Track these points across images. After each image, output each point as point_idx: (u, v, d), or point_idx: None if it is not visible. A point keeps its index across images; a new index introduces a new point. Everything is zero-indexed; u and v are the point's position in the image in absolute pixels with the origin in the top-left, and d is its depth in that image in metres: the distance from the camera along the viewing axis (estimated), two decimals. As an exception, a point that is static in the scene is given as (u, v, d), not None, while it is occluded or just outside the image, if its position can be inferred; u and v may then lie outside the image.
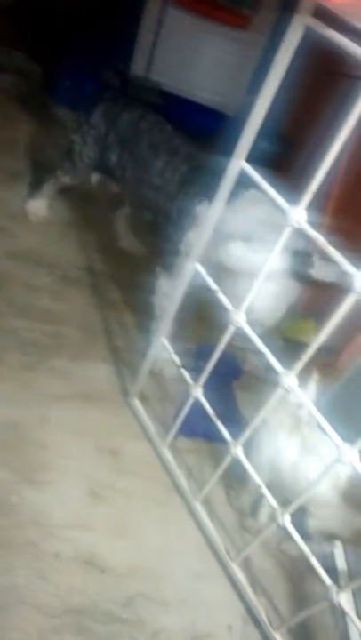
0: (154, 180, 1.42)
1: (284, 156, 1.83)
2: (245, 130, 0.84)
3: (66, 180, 1.78)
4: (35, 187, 1.89)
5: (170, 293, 1.27)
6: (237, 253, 1.16)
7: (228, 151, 0.90)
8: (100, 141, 1.60)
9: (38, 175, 1.94)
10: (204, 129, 1.54)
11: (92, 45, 2.47)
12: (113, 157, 1.56)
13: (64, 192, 1.89)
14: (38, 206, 1.85)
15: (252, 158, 0.88)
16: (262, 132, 0.86)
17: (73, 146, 1.66)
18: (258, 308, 1.06)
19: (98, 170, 1.70)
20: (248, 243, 1.14)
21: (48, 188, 1.84)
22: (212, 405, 1.12)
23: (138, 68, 2.63)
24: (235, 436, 1.06)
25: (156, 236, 1.47)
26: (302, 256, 1.16)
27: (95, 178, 1.78)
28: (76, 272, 1.72)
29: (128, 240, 1.95)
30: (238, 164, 0.87)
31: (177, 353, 1.20)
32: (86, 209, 1.98)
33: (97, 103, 1.60)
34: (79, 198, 2.01)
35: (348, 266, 0.73)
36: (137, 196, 1.52)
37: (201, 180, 1.31)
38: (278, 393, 0.90)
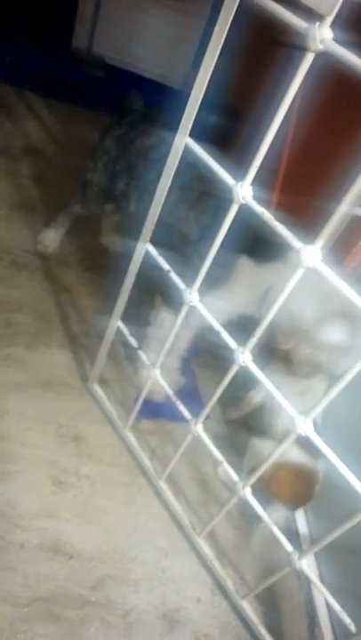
0: (162, 216, 1.29)
1: (230, 129, 1.81)
2: (188, 105, 0.82)
3: (77, 208, 1.67)
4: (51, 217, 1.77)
5: (168, 327, 1.16)
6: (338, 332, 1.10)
7: (173, 125, 0.88)
8: (110, 167, 1.48)
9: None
10: (148, 102, 1.49)
11: (31, 20, 2.36)
12: (120, 185, 1.44)
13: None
14: (51, 237, 1.72)
15: (197, 133, 0.86)
16: (207, 106, 0.84)
17: (86, 172, 1.56)
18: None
19: (108, 200, 1.57)
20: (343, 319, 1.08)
21: (63, 219, 1.72)
22: (172, 385, 1.12)
23: (79, 41, 2.54)
24: (196, 414, 1.06)
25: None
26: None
27: (110, 208, 1.64)
28: (25, 256, 1.67)
29: (109, 238, 1.86)
30: (183, 139, 0.85)
31: (133, 335, 1.19)
32: (37, 191, 1.91)
33: (114, 127, 1.48)
34: (30, 180, 1.94)
35: (294, 241, 0.73)
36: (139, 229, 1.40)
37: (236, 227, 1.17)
38: (234, 369, 0.91)
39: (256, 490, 0.98)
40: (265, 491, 1.17)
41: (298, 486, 1.15)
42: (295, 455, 1.12)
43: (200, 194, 1.24)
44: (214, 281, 1.17)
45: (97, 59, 2.56)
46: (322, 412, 0.80)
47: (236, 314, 1.20)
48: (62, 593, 1.01)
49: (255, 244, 1.09)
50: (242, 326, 1.00)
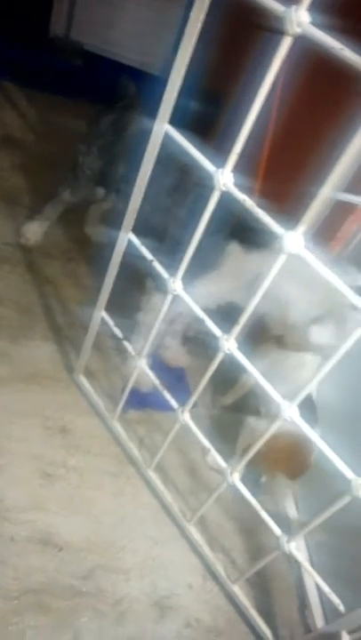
0: (161, 200, 1.26)
1: (211, 115, 1.79)
2: (166, 91, 0.81)
3: (66, 195, 1.63)
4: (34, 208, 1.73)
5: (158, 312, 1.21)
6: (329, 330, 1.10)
7: (153, 112, 0.86)
8: (105, 152, 1.46)
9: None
10: (137, 100, 1.47)
11: (6, 8, 2.31)
12: (120, 169, 1.42)
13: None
14: (34, 230, 1.69)
15: (177, 119, 0.85)
16: (186, 92, 0.83)
17: (78, 156, 1.52)
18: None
19: (101, 184, 1.56)
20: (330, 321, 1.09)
21: (50, 210, 1.68)
22: (159, 375, 1.12)
23: (57, 28, 2.49)
24: (184, 402, 1.07)
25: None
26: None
27: (101, 193, 1.63)
28: (6, 249, 1.65)
29: (94, 228, 1.85)
30: (162, 127, 0.84)
31: (117, 325, 1.19)
32: (17, 182, 1.89)
33: (108, 111, 1.46)
34: (10, 171, 1.91)
35: (276, 227, 0.73)
36: (140, 216, 1.39)
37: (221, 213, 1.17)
38: (219, 357, 0.91)
39: (254, 465, 0.98)
40: (263, 464, 1.18)
41: (295, 456, 1.16)
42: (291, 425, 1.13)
43: (182, 180, 1.23)
44: (205, 266, 1.17)
45: (75, 46, 2.52)
46: (317, 385, 0.80)
47: (224, 300, 1.20)
48: (52, 584, 1.01)
49: (246, 230, 1.08)
50: (229, 314, 1.00)
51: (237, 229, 1.12)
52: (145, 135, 1.18)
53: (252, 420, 1.27)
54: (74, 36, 2.51)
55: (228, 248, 1.16)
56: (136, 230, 1.01)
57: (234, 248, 1.16)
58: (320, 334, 1.10)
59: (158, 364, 1.48)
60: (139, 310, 1.33)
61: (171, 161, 1.05)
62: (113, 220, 1.72)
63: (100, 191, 1.63)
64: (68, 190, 1.62)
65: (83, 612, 1.00)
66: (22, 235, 1.68)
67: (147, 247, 1.00)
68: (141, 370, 1.11)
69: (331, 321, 1.09)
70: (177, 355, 1.54)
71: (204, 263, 1.17)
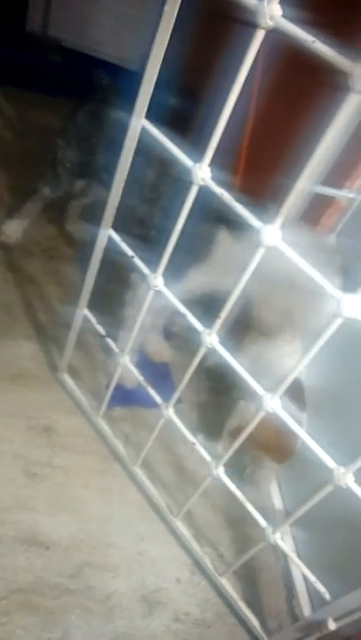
0: (145, 191, 1.27)
1: (187, 109, 1.79)
2: (142, 86, 0.81)
3: (46, 191, 1.61)
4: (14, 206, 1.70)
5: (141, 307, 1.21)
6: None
7: (132, 108, 0.86)
8: (85, 142, 1.45)
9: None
10: (113, 91, 1.46)
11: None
12: (100, 160, 1.41)
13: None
14: (14, 228, 1.67)
15: (154, 114, 0.85)
16: (162, 87, 0.83)
17: (56, 151, 1.50)
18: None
19: (82, 177, 1.55)
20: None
21: (30, 208, 1.66)
22: (144, 372, 1.12)
23: (34, 24, 2.47)
24: (169, 399, 1.07)
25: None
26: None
27: (81, 185, 1.63)
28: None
29: (75, 225, 1.84)
30: (139, 122, 0.84)
31: (100, 322, 1.18)
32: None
33: (84, 104, 1.46)
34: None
35: (254, 221, 0.73)
36: (124, 206, 1.39)
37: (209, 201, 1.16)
38: (202, 352, 0.91)
39: (241, 451, 0.99)
40: (251, 449, 1.18)
41: (283, 440, 1.17)
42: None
43: (163, 172, 1.24)
44: (195, 256, 1.17)
45: (53, 42, 2.50)
46: (305, 369, 0.80)
47: (215, 289, 1.20)
48: (40, 583, 1.01)
49: (235, 217, 1.09)
50: (211, 307, 1.01)
51: (226, 217, 1.12)
52: (123, 125, 1.18)
53: (244, 403, 1.28)
54: (51, 33, 2.49)
55: (217, 236, 1.16)
56: (119, 224, 1.01)
57: (223, 236, 1.16)
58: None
59: (143, 362, 1.48)
60: (124, 305, 1.33)
61: (151, 152, 1.07)
62: (94, 215, 1.72)
63: (81, 183, 1.62)
64: (48, 187, 1.61)
65: (71, 609, 1.00)
66: (2, 233, 1.66)
67: (128, 243, 0.99)
68: (125, 366, 1.11)
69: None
70: (160, 349, 1.54)
71: (194, 253, 1.17)
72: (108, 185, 1.39)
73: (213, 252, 1.18)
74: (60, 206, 1.78)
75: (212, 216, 1.14)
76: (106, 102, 1.43)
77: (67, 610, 0.99)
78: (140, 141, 0.89)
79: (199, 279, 1.18)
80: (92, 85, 1.50)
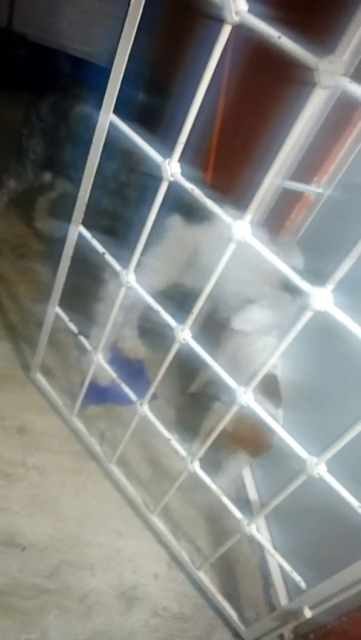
0: (109, 183, 1.25)
1: (156, 105, 1.78)
2: (110, 81, 0.80)
3: (11, 184, 1.56)
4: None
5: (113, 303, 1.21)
6: (253, 317, 1.13)
7: (99, 101, 0.85)
8: (49, 136, 1.41)
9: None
10: (74, 80, 1.44)
11: None
12: (66, 155, 1.38)
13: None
14: None
15: (123, 110, 0.85)
16: (131, 82, 0.82)
17: (20, 142, 1.46)
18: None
19: (48, 169, 1.51)
20: (260, 305, 1.11)
21: None
22: (119, 370, 1.11)
23: (-2, 17, 2.42)
24: (141, 394, 1.07)
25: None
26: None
27: (48, 177, 1.58)
28: None
29: (44, 222, 1.81)
30: (107, 117, 0.83)
31: (72, 320, 1.17)
32: None
33: (47, 94, 1.41)
34: None
35: (224, 216, 0.74)
36: (91, 199, 1.36)
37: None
38: (176, 347, 0.92)
39: (218, 446, 0.99)
40: (227, 444, 1.19)
41: (259, 436, 1.18)
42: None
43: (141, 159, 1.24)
44: (148, 241, 1.17)
45: (19, 37, 2.45)
46: (280, 362, 0.81)
47: (171, 280, 1.20)
48: (17, 584, 1.00)
49: (186, 203, 1.09)
50: (183, 304, 1.01)
51: (178, 202, 1.13)
52: (88, 118, 1.17)
53: (219, 405, 1.29)
54: (17, 27, 2.44)
55: (169, 221, 1.16)
56: (87, 218, 0.99)
57: (175, 221, 1.16)
58: (243, 321, 1.14)
59: (118, 360, 1.47)
60: (97, 302, 1.32)
61: (116, 145, 1.07)
62: (63, 211, 1.70)
63: (47, 176, 1.58)
64: (12, 179, 1.57)
65: (49, 609, 0.99)
66: None
67: (98, 239, 0.99)
68: (99, 364, 1.10)
69: (258, 306, 1.12)
70: (135, 345, 1.54)
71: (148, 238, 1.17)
72: (74, 178, 1.38)
73: (166, 238, 1.18)
74: (28, 203, 1.76)
75: (165, 202, 1.15)
76: (68, 92, 1.41)
77: (44, 610, 0.99)
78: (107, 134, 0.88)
79: (154, 268, 1.18)
80: (54, 74, 1.47)
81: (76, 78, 1.46)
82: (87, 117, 1.33)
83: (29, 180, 1.56)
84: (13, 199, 1.63)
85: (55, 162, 1.45)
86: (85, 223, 1.00)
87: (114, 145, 0.87)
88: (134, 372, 1.49)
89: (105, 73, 0.82)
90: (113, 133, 0.85)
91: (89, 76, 1.48)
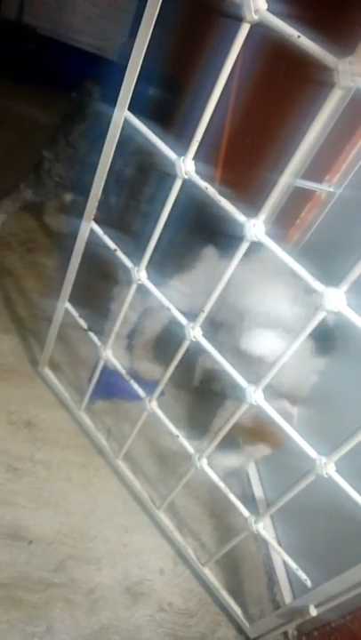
0: (142, 206, 1.26)
1: (171, 101, 1.78)
2: (125, 78, 0.80)
3: (28, 195, 1.56)
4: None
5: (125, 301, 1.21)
6: (263, 340, 1.11)
7: (111, 97, 0.85)
8: (78, 161, 1.41)
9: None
10: (84, 74, 1.44)
11: None
12: (91, 176, 1.38)
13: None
14: None
15: (137, 106, 0.84)
16: (146, 78, 0.82)
17: (42, 162, 1.46)
18: (287, 384, 1.06)
19: (71, 190, 1.52)
20: (272, 327, 1.10)
21: (8, 205, 1.60)
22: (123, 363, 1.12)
23: (9, 10, 2.41)
24: (150, 391, 1.07)
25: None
26: (325, 330, 1.09)
27: (69, 197, 1.59)
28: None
29: (53, 217, 1.80)
30: (122, 113, 0.83)
31: (82, 316, 1.17)
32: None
33: (77, 119, 1.40)
34: None
35: (238, 215, 0.74)
36: (122, 222, 1.32)
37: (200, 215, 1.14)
38: (185, 345, 0.92)
39: (234, 437, 0.98)
40: (247, 437, 1.20)
41: (275, 431, 1.19)
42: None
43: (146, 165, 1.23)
44: (179, 265, 1.18)
45: (28, 30, 2.44)
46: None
47: (196, 305, 1.21)
48: (24, 578, 1.00)
49: (223, 235, 1.09)
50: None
51: (215, 234, 1.13)
52: (130, 141, 1.16)
53: (230, 402, 1.29)
54: (26, 20, 2.43)
55: (203, 251, 1.17)
56: (100, 217, 1.00)
57: (209, 251, 1.17)
58: (255, 343, 1.14)
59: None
60: (111, 300, 1.33)
61: (133, 144, 1.07)
62: (73, 207, 1.71)
63: (69, 196, 1.59)
64: (30, 190, 1.56)
65: (55, 603, 1.00)
66: None
67: (110, 236, 0.99)
68: (110, 360, 1.11)
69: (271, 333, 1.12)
70: (150, 368, 1.52)
71: (179, 262, 1.18)
72: (105, 206, 1.37)
73: (197, 267, 1.19)
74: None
75: (202, 230, 1.15)
76: (100, 119, 1.37)
77: (50, 603, 0.99)
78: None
79: (181, 290, 1.18)
80: (82, 98, 1.43)
81: (42, 55, 1.43)
82: (124, 144, 1.32)
83: (49, 196, 1.56)
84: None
85: (81, 185, 1.43)
86: (97, 219, 1.00)
87: (128, 141, 0.87)
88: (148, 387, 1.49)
89: (113, 66, 0.81)
90: (127, 130, 0.85)
91: (99, 71, 1.48)
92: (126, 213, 1.27)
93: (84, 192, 1.44)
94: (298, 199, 1.31)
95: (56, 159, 1.45)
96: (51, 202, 1.77)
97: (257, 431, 1.15)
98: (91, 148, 1.38)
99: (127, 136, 0.86)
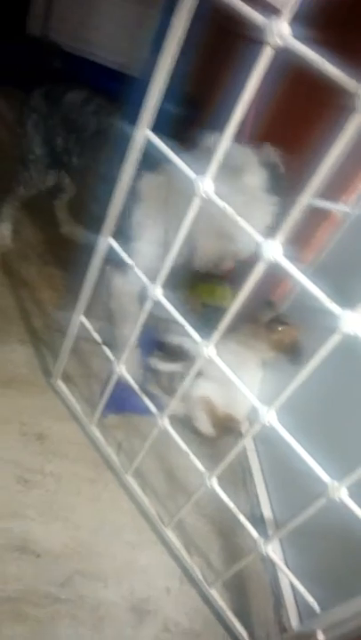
0: (101, 168, 1.29)
1: (189, 118, 1.80)
2: (147, 97, 0.81)
3: (20, 191, 1.57)
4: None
5: (127, 291, 1.23)
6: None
7: (131, 114, 0.86)
8: (42, 125, 1.41)
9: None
10: (106, 90, 1.47)
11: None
12: (59, 141, 1.39)
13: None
14: (1, 234, 1.65)
15: (157, 121, 0.85)
16: (166, 96, 0.83)
17: (21, 143, 1.47)
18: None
19: (50, 165, 1.50)
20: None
21: (8, 210, 1.63)
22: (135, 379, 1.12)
23: (34, 27, 2.47)
24: (159, 406, 1.07)
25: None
26: (272, 168, 1.12)
27: (51, 177, 1.57)
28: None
29: (68, 227, 1.84)
30: (143, 132, 0.85)
31: (96, 330, 1.18)
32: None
33: (36, 85, 1.43)
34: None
35: (256, 236, 0.74)
36: (84, 184, 1.39)
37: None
38: (199, 363, 0.92)
39: None
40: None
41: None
42: None
43: None
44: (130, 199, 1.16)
45: (53, 46, 2.49)
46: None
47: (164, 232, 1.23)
48: (30, 592, 1.00)
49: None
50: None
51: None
52: (83, 104, 1.20)
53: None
54: (51, 36, 2.49)
55: (141, 177, 1.17)
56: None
57: (146, 175, 1.19)
58: None
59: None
60: (109, 298, 1.34)
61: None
62: (82, 213, 1.73)
63: (52, 174, 1.56)
64: (20, 186, 1.57)
65: (61, 619, 0.99)
66: None
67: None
68: (123, 375, 1.11)
69: None
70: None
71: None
72: (76, 168, 1.41)
73: (143, 191, 1.20)
74: (50, 211, 1.79)
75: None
76: (59, 84, 1.42)
77: (56, 619, 0.99)
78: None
79: (141, 220, 1.21)
80: (44, 70, 1.48)
81: (68, 72, 1.48)
82: (82, 105, 1.35)
83: (37, 183, 1.56)
84: (39, 207, 1.66)
85: (55, 157, 1.45)
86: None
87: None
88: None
89: (135, 83, 0.83)
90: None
91: (120, 87, 1.51)
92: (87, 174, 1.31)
93: (59, 164, 1.47)
94: (314, 219, 1.32)
95: (24, 132, 1.45)
96: (57, 208, 1.79)
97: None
98: (51, 109, 1.39)
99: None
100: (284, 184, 1.16)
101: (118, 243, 0.99)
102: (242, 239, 1.09)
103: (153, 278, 0.92)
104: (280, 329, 1.33)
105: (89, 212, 1.42)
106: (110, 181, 1.26)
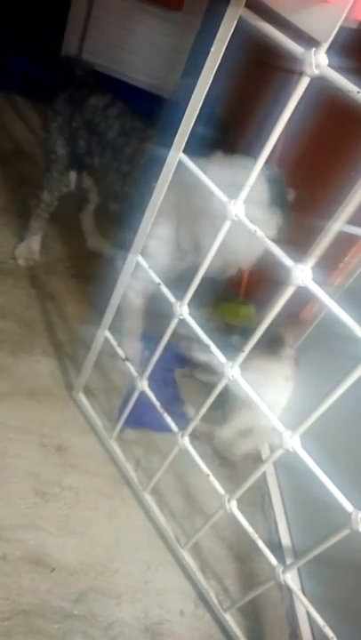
0: (123, 167, 1.35)
1: (220, 141, 1.82)
2: (183, 121, 0.82)
3: (45, 196, 1.60)
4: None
5: (140, 291, 1.27)
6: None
7: (164, 134, 0.88)
8: (65, 128, 1.47)
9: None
10: (139, 111, 1.50)
11: (22, 24, 2.35)
12: (81, 143, 1.45)
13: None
14: (27, 250, 1.68)
15: (190, 144, 0.87)
16: (200, 119, 0.85)
17: (45, 145, 1.52)
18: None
19: (70, 165, 1.54)
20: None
21: (35, 223, 1.66)
22: (155, 395, 1.12)
23: (70, 47, 2.54)
24: (180, 424, 1.07)
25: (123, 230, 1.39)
26: (277, 183, 1.15)
27: (73, 178, 1.60)
28: (12, 263, 1.66)
29: (95, 240, 1.87)
30: (177, 155, 0.86)
31: (120, 345, 1.19)
32: (24, 195, 1.90)
33: (61, 90, 1.48)
34: (17, 183, 1.93)
35: (286, 260, 0.74)
36: (105, 184, 1.44)
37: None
38: (223, 383, 0.92)
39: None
40: None
41: None
42: None
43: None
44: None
45: (86, 66, 2.56)
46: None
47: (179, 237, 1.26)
48: (44, 606, 1.00)
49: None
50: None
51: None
52: (110, 107, 1.35)
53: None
54: (85, 57, 2.56)
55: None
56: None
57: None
58: None
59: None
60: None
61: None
62: (106, 225, 1.76)
63: (72, 175, 1.59)
64: (45, 191, 1.59)
65: (73, 635, 0.98)
66: (18, 257, 1.67)
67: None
68: (146, 391, 1.11)
69: None
70: None
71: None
72: (95, 169, 1.46)
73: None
74: (77, 224, 1.83)
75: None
76: (82, 88, 1.47)
77: (68, 635, 0.98)
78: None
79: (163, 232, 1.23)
80: (67, 76, 1.53)
81: (90, 76, 1.55)
82: (101, 109, 1.41)
83: (59, 186, 1.58)
84: (66, 221, 1.68)
85: (76, 158, 1.50)
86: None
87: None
88: (168, 398, 1.49)
89: (167, 104, 0.84)
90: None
91: (152, 108, 1.54)
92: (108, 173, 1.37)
93: (80, 164, 1.51)
94: (342, 243, 1.31)
95: (49, 134, 1.50)
96: (83, 222, 1.83)
97: None
98: (74, 112, 1.44)
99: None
100: (288, 198, 1.19)
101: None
102: (246, 250, 1.13)
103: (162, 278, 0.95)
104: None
105: (108, 211, 1.49)
106: (131, 180, 1.33)
